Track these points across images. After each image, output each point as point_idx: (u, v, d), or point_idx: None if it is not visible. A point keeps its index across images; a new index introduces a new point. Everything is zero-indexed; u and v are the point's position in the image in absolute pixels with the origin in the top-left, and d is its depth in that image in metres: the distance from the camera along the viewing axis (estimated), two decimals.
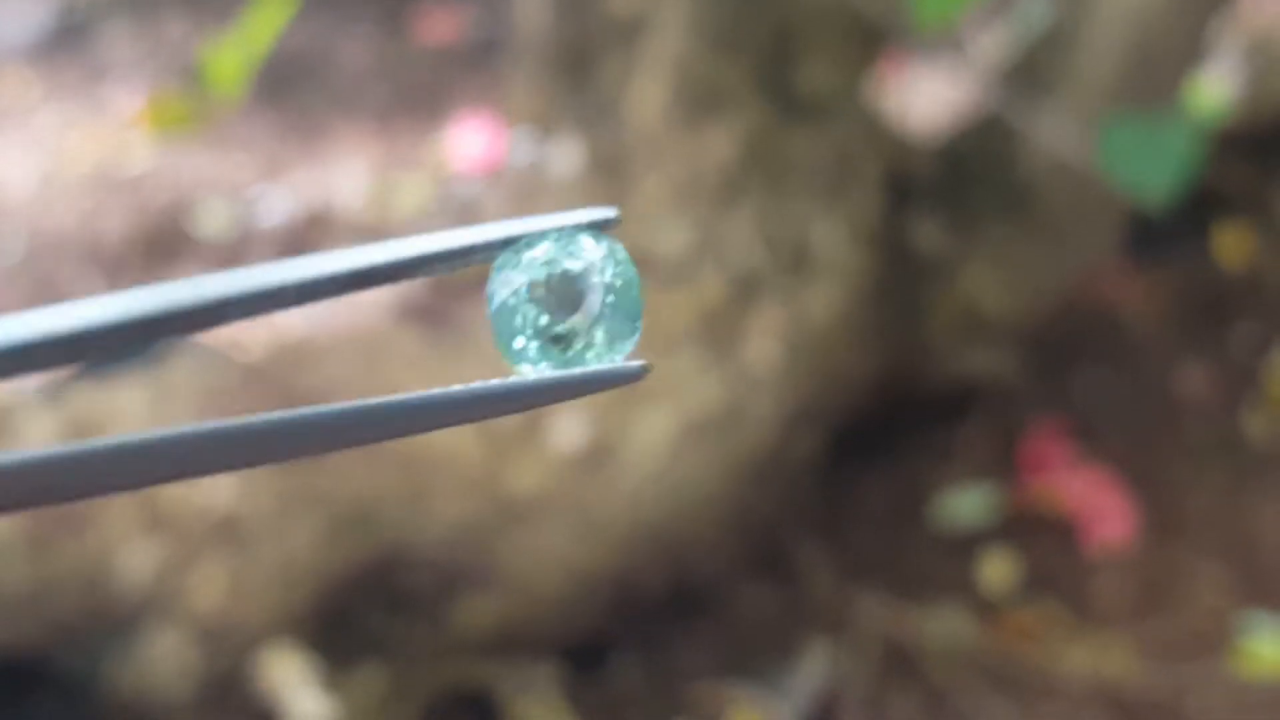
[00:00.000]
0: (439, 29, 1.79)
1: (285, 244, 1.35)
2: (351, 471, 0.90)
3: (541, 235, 0.25)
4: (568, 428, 0.94)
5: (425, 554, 0.92)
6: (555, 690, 0.95)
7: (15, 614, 0.86)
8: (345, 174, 1.47)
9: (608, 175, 0.99)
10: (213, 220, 1.39)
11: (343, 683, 0.90)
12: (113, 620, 0.87)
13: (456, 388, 0.24)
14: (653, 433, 0.95)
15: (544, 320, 0.25)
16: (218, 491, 0.88)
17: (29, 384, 1.12)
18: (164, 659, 0.87)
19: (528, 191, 1.04)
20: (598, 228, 0.26)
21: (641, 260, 0.97)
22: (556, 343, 0.25)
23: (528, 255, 0.25)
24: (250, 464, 0.24)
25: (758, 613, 1.02)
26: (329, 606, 0.91)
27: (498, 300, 0.25)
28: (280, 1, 1.11)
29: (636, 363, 0.25)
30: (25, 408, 0.92)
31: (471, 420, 0.24)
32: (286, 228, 1.37)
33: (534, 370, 0.25)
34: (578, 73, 1.01)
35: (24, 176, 1.48)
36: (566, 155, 1.01)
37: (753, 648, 1.00)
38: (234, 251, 1.34)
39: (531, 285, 0.25)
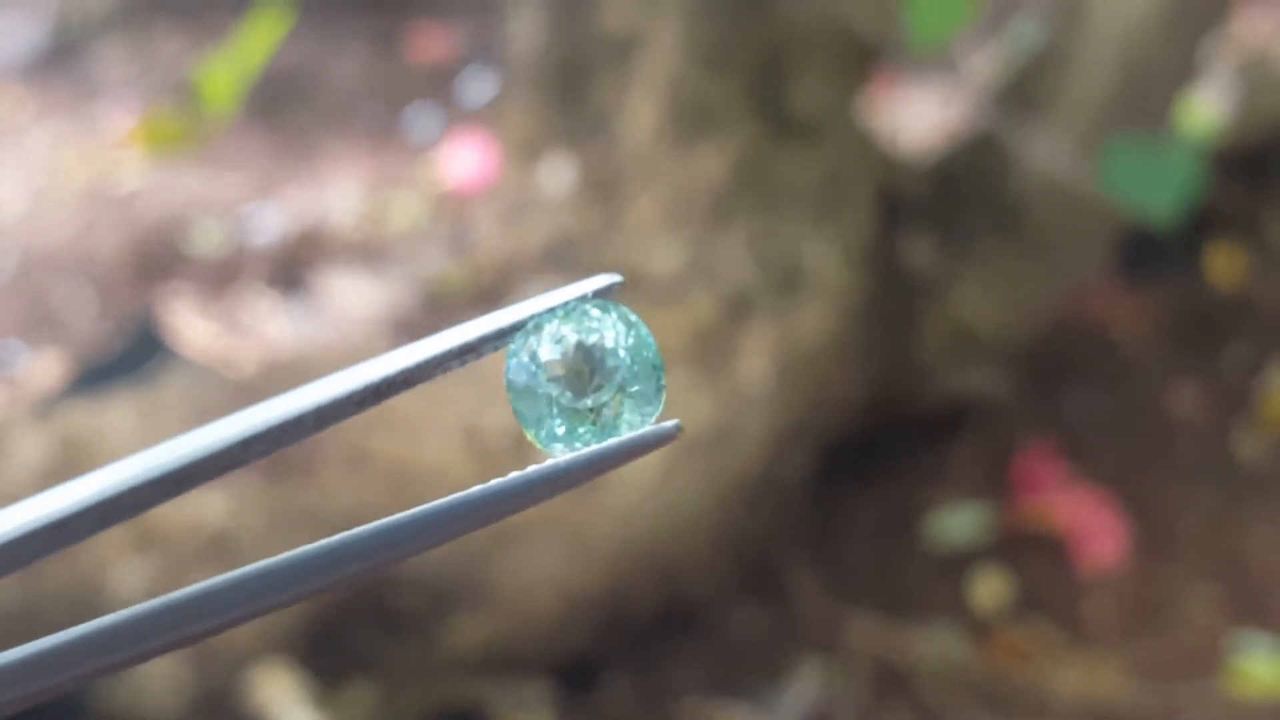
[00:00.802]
0: (432, 47, 1.79)
1: (278, 262, 1.35)
2: (341, 488, 0.90)
3: (549, 313, 0.25)
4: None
5: (416, 572, 0.92)
6: (546, 709, 0.94)
7: (4, 632, 0.86)
8: (338, 192, 1.47)
9: (600, 194, 0.99)
10: (205, 238, 1.39)
11: (333, 701, 0.90)
12: None
13: (499, 482, 0.24)
14: None
15: (567, 398, 0.24)
16: (208, 508, 0.88)
17: (22, 403, 1.12)
18: (155, 677, 0.87)
19: (520, 210, 1.04)
20: (603, 295, 0.25)
21: (633, 279, 0.97)
22: (583, 418, 0.25)
23: (539, 336, 0.25)
24: (310, 594, 0.24)
25: (748, 632, 1.02)
26: (319, 624, 0.91)
27: (518, 386, 0.25)
28: (273, 20, 1.11)
29: (670, 423, 0.24)
30: (17, 425, 0.92)
31: (520, 510, 0.24)
32: (279, 246, 1.37)
33: (567, 449, 0.25)
34: (570, 91, 1.01)
35: (17, 194, 1.49)
36: (559, 174, 1.01)
37: (744, 667, 0.99)
38: (227, 269, 1.34)
39: (548, 365, 0.24)
